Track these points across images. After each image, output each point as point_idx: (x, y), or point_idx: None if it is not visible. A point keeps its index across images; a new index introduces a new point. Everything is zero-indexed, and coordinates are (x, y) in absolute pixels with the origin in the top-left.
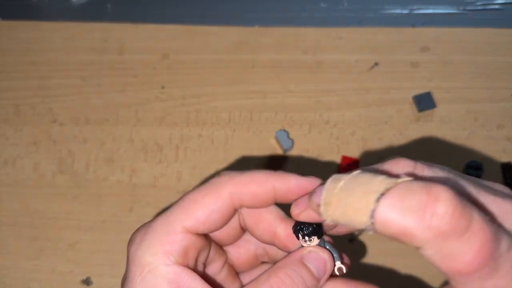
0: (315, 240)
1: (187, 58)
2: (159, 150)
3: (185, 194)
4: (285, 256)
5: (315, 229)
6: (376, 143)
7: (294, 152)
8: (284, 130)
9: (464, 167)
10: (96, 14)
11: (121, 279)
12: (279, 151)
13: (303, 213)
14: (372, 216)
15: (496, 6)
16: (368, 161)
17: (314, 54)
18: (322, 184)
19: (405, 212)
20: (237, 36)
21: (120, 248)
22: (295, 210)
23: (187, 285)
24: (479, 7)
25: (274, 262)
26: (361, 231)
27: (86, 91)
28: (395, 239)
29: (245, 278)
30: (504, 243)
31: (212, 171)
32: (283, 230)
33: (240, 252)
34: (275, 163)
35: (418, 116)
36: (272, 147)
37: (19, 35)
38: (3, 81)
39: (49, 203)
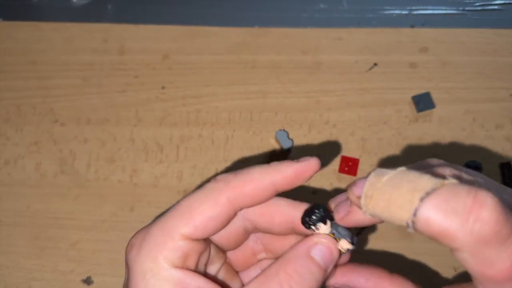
0: (323, 227)
1: (187, 58)
2: (160, 150)
3: (183, 197)
4: (291, 248)
5: (322, 216)
6: (376, 143)
7: (294, 152)
8: (284, 130)
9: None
10: (96, 15)
11: (122, 279)
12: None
13: (345, 218)
14: (414, 214)
15: (495, 7)
16: (368, 161)
17: (314, 55)
18: (363, 177)
19: (449, 214)
20: (237, 36)
21: (121, 248)
22: (337, 216)
23: (192, 285)
24: (478, 8)
25: (274, 257)
26: (366, 229)
27: (86, 91)
28: (433, 239)
29: (245, 277)
30: None
31: (212, 171)
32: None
33: (238, 250)
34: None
35: (417, 116)
36: (272, 147)
37: (20, 35)
38: (4, 81)
39: (50, 203)
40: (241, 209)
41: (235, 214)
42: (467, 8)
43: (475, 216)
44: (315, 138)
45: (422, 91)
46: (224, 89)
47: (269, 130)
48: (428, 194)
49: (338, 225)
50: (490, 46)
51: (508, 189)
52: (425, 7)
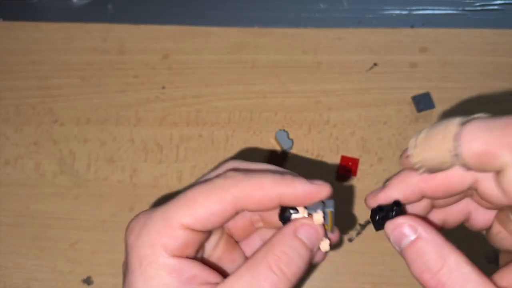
0: (302, 210)
1: (187, 58)
2: (160, 150)
3: (190, 186)
4: (278, 231)
5: (294, 208)
6: (376, 143)
7: (294, 152)
8: (284, 130)
9: None
10: (96, 15)
11: (121, 278)
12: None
13: (377, 197)
14: (457, 138)
15: (495, 7)
16: (368, 161)
17: (314, 55)
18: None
19: (488, 130)
20: (237, 36)
21: (121, 248)
22: (371, 203)
23: (188, 274)
24: (478, 8)
25: (270, 227)
26: (397, 207)
27: (86, 91)
28: (477, 164)
29: (246, 247)
30: None
31: None
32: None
33: (236, 220)
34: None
35: (417, 116)
36: (272, 147)
37: (20, 35)
38: (4, 81)
39: (50, 203)
40: (242, 211)
41: (236, 214)
42: (467, 8)
43: None
44: (315, 138)
45: (422, 91)
46: (224, 89)
47: (269, 130)
48: (465, 122)
49: (311, 207)
50: (490, 46)
51: None
52: (425, 7)
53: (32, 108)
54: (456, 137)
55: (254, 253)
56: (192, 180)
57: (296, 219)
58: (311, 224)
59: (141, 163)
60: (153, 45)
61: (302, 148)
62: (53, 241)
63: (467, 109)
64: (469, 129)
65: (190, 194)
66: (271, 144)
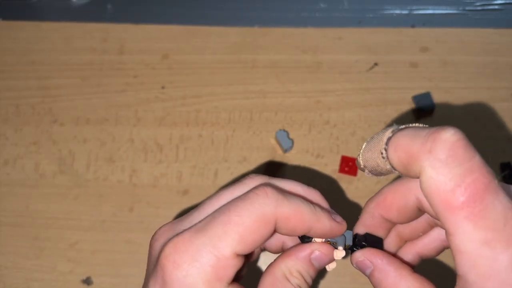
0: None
1: (187, 58)
2: (159, 150)
3: (228, 206)
4: (294, 251)
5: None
6: None
7: (294, 152)
8: (284, 130)
9: None
10: (96, 14)
11: (122, 279)
12: (279, 151)
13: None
14: (387, 143)
15: (496, 7)
16: None
17: (314, 54)
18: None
19: (413, 137)
20: (237, 36)
21: (121, 248)
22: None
23: None
24: (479, 8)
25: (269, 250)
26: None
27: (86, 91)
28: (401, 167)
29: None
30: (502, 201)
31: (212, 171)
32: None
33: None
34: (274, 166)
35: (418, 116)
36: (272, 147)
37: (19, 35)
38: (3, 81)
39: (49, 203)
40: (274, 233)
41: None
42: (467, 8)
43: (435, 136)
44: (315, 138)
45: (423, 91)
46: (224, 89)
47: (269, 130)
48: (398, 130)
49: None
50: (491, 46)
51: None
52: (425, 7)
53: (31, 108)
54: (387, 142)
55: (271, 270)
56: (192, 180)
57: (316, 243)
58: (324, 251)
59: (141, 163)
60: (153, 45)
61: (302, 148)
62: (53, 241)
63: (467, 109)
64: (397, 136)
65: (235, 216)
66: (271, 144)
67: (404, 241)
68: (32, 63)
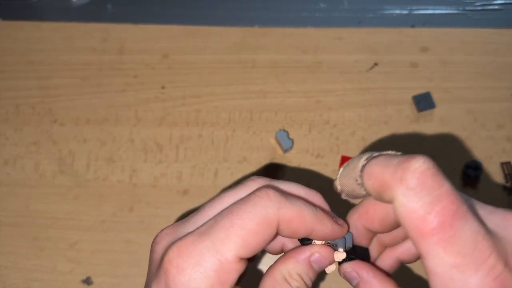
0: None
1: (187, 58)
2: (159, 150)
3: (230, 208)
4: (293, 253)
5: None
6: (376, 143)
7: (294, 152)
8: (284, 130)
9: (463, 167)
10: (96, 14)
11: (121, 279)
12: (279, 151)
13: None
14: (362, 170)
15: (496, 7)
16: None
17: (314, 54)
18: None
19: (385, 166)
20: (237, 36)
21: (121, 248)
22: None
23: None
24: (479, 8)
25: (268, 251)
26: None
27: (86, 91)
28: (375, 194)
29: None
30: (472, 226)
31: (212, 171)
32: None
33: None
34: (274, 166)
35: (418, 116)
36: (272, 147)
37: (19, 35)
38: (3, 81)
39: (49, 203)
40: (277, 235)
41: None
42: (467, 8)
43: (405, 166)
44: (315, 138)
45: (423, 91)
46: (224, 89)
47: (269, 130)
48: (372, 157)
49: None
50: (491, 45)
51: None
52: (425, 7)
53: (31, 108)
54: (362, 169)
55: (273, 272)
56: (192, 180)
57: (316, 245)
58: (323, 254)
59: (141, 163)
60: (153, 45)
61: (302, 148)
62: (52, 241)
63: (467, 109)
64: (370, 164)
65: (237, 220)
66: (271, 144)
67: (385, 247)
68: (32, 63)
